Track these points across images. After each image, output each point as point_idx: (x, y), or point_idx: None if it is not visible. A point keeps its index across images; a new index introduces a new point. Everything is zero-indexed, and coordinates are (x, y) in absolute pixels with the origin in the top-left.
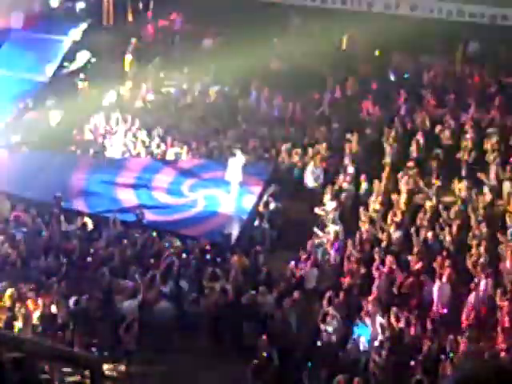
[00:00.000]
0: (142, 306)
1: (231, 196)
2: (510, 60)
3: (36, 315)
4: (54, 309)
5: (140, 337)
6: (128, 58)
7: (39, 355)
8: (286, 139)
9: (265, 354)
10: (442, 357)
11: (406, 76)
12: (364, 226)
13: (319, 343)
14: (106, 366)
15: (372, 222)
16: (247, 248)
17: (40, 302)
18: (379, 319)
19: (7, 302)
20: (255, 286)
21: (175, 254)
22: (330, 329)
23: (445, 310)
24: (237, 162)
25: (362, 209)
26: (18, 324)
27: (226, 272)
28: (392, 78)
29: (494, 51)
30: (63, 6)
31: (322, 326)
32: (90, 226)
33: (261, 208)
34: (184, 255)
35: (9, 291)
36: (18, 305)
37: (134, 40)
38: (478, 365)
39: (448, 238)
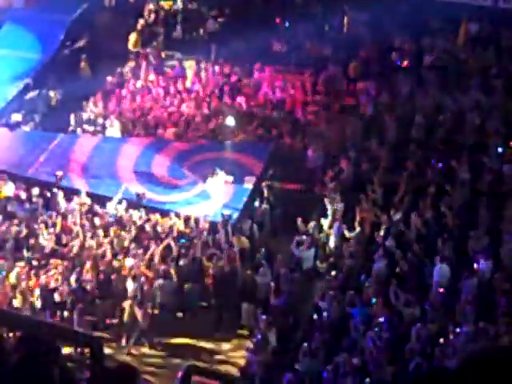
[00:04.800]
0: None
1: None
2: (511, 42)
3: (36, 293)
4: (53, 286)
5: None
6: (132, 37)
7: (39, 333)
8: (287, 120)
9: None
10: (441, 340)
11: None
12: (364, 208)
13: (317, 323)
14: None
15: (372, 203)
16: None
17: (41, 280)
18: (378, 300)
19: (13, 280)
20: (253, 267)
21: (176, 233)
22: (328, 310)
23: (444, 292)
24: (218, 181)
25: (362, 190)
26: (17, 302)
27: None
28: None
29: (496, 33)
30: None
31: (321, 304)
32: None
33: (262, 189)
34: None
35: (16, 269)
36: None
37: (139, 20)
38: (483, 348)
39: (449, 220)
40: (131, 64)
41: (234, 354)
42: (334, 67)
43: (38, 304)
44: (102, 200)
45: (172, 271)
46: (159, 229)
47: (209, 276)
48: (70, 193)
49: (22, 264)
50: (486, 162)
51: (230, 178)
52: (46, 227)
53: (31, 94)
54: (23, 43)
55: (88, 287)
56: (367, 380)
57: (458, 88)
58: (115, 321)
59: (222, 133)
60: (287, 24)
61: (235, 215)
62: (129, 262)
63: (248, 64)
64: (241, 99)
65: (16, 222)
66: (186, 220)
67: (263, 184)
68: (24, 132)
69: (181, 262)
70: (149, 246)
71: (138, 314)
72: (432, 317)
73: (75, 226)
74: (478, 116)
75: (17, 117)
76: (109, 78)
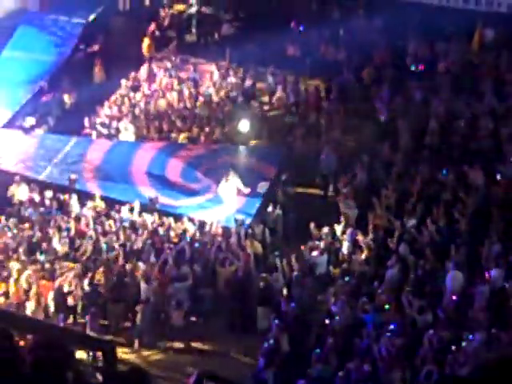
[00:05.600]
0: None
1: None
2: None
3: (49, 297)
4: (67, 290)
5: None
6: (146, 41)
7: (52, 337)
8: (301, 125)
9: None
10: (453, 347)
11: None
12: (377, 214)
13: (330, 329)
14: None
15: (385, 209)
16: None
17: (55, 284)
18: (391, 306)
19: (24, 285)
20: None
21: (189, 238)
22: (340, 315)
23: (457, 299)
24: (231, 185)
25: (375, 196)
26: (31, 305)
27: (238, 257)
28: (409, 65)
29: (511, 39)
30: None
31: (333, 310)
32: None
33: (275, 194)
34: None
35: (26, 273)
36: (32, 286)
37: (152, 24)
38: (496, 356)
39: (462, 227)
40: (145, 68)
41: (246, 358)
42: (348, 72)
43: (52, 308)
44: (115, 203)
45: (187, 274)
46: (172, 233)
47: (222, 280)
48: (84, 196)
49: (35, 267)
50: (500, 168)
51: (247, 190)
52: (60, 231)
53: (45, 97)
54: (38, 46)
55: (101, 290)
56: None
57: (472, 94)
58: (128, 324)
59: (236, 137)
60: (302, 28)
61: (248, 220)
62: (142, 265)
63: (262, 68)
64: (255, 103)
65: (29, 225)
66: (200, 224)
67: (276, 189)
68: (38, 135)
69: (194, 267)
70: (162, 249)
71: (174, 314)
72: (444, 323)
73: (88, 229)
74: (492, 122)
75: (31, 120)
76: (123, 82)
